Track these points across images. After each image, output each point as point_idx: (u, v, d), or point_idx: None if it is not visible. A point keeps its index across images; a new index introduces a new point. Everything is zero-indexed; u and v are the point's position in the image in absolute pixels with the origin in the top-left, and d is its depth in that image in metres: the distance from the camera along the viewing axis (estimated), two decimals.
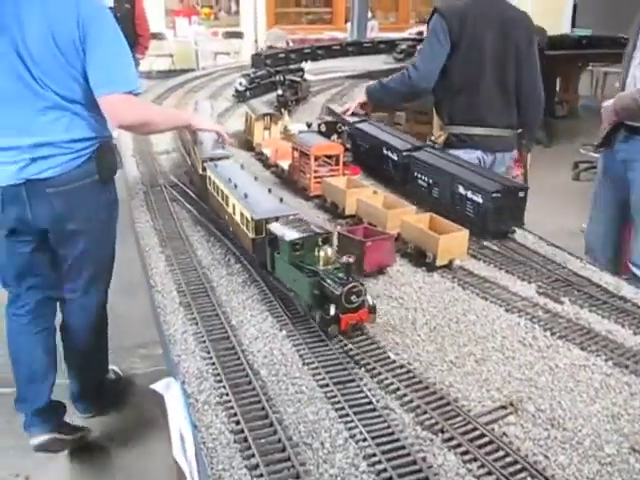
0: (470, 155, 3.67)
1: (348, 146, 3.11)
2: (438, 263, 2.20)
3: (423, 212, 2.47)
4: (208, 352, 1.73)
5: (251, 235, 2.11)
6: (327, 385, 1.58)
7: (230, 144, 3.24)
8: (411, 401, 1.52)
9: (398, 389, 1.57)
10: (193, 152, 3.09)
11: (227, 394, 1.55)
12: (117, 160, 3.03)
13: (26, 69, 2.68)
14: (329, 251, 1.83)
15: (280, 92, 4.57)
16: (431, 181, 2.74)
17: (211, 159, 2.70)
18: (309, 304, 1.83)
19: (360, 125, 3.45)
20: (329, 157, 2.90)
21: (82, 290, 3.17)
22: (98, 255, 3.13)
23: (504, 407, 1.50)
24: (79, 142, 2.83)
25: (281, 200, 2.21)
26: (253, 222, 2.09)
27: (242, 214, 2.19)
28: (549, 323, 1.87)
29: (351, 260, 1.75)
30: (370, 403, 1.51)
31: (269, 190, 2.32)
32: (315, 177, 2.84)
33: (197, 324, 1.87)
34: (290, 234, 1.88)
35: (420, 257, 2.25)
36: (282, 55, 6.81)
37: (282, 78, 4.93)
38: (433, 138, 3.88)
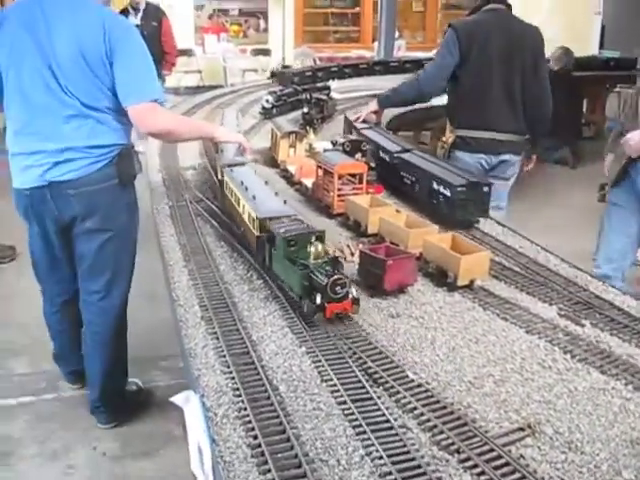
0: (474, 157, 4.09)
1: (372, 165, 3.13)
2: (459, 283, 2.20)
3: (444, 231, 2.48)
4: (228, 367, 1.75)
5: (256, 233, 2.25)
6: (345, 402, 1.59)
7: (254, 160, 3.31)
8: (428, 420, 1.53)
9: (415, 408, 1.57)
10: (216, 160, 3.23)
11: (245, 409, 1.56)
12: (137, 166, 3.16)
13: (56, 81, 2.90)
14: (319, 247, 2.01)
15: (306, 110, 4.61)
16: (413, 179, 3.06)
17: (229, 165, 2.84)
18: (300, 294, 1.98)
19: (364, 131, 3.83)
20: (353, 175, 2.92)
21: (104, 291, 3.29)
22: (118, 255, 3.26)
23: (522, 429, 1.50)
24: (99, 148, 3.01)
25: (285, 202, 2.40)
26: (257, 221, 2.25)
27: (249, 214, 2.33)
28: (569, 346, 1.87)
29: (337, 254, 1.96)
30: (387, 421, 1.51)
31: (275, 193, 2.47)
32: (338, 195, 2.86)
33: (218, 339, 1.89)
34: (285, 232, 2.07)
35: (441, 277, 2.26)
36: (309, 73, 6.87)
37: (308, 96, 4.97)
38: (444, 139, 4.28)
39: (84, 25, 2.89)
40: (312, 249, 2.00)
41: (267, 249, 2.18)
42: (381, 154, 3.37)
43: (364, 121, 4.22)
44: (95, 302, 3.31)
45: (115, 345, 3.40)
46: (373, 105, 4.32)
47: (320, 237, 2.06)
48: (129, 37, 2.98)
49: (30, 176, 3.01)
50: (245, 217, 2.41)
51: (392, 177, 3.24)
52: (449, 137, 4.20)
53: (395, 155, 3.24)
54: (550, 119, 4.15)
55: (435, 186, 2.85)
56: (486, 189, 2.81)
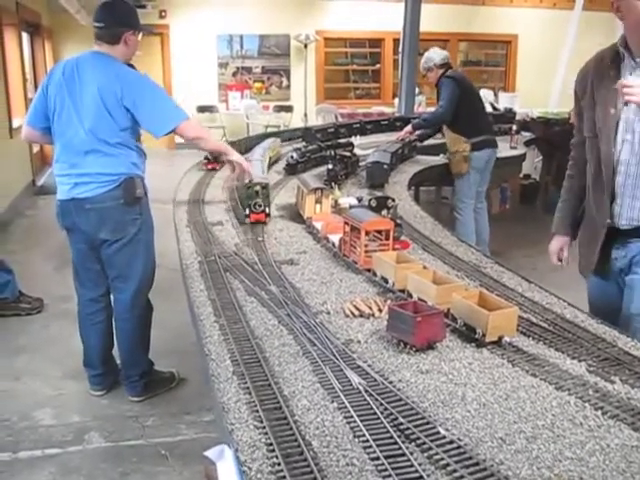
0: (485, 152, 6.79)
1: (398, 222, 3.17)
2: (487, 339, 2.22)
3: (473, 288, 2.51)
4: (261, 421, 1.76)
5: None
6: (378, 458, 1.60)
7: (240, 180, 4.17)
8: (462, 477, 1.53)
9: (448, 465, 1.58)
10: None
11: (279, 464, 1.57)
12: (139, 191, 3.97)
13: (79, 120, 3.81)
14: (259, 188, 3.66)
15: (330, 166, 4.69)
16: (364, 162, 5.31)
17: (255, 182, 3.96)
18: (244, 210, 3.70)
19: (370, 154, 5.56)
20: (379, 232, 2.96)
21: (121, 289, 4.17)
22: (129, 260, 4.08)
23: None
24: (107, 175, 3.87)
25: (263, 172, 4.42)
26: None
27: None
28: (600, 402, 1.87)
29: (258, 188, 3.67)
30: (420, 477, 1.52)
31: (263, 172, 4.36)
32: (365, 251, 2.90)
33: (250, 393, 1.91)
34: (249, 182, 3.75)
35: (469, 333, 2.28)
36: (332, 129, 7.00)
37: (333, 153, 5.06)
38: (461, 149, 6.64)
39: (103, 76, 3.77)
40: (255, 189, 3.64)
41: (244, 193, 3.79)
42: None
43: (402, 139, 6.61)
44: (117, 291, 4.20)
45: (134, 332, 4.24)
46: (409, 128, 6.88)
47: (265, 185, 3.71)
48: (142, 82, 3.85)
49: (61, 191, 3.97)
50: None
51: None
52: (465, 146, 6.63)
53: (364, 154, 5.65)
54: None
55: (367, 165, 5.07)
56: (385, 167, 5.01)
